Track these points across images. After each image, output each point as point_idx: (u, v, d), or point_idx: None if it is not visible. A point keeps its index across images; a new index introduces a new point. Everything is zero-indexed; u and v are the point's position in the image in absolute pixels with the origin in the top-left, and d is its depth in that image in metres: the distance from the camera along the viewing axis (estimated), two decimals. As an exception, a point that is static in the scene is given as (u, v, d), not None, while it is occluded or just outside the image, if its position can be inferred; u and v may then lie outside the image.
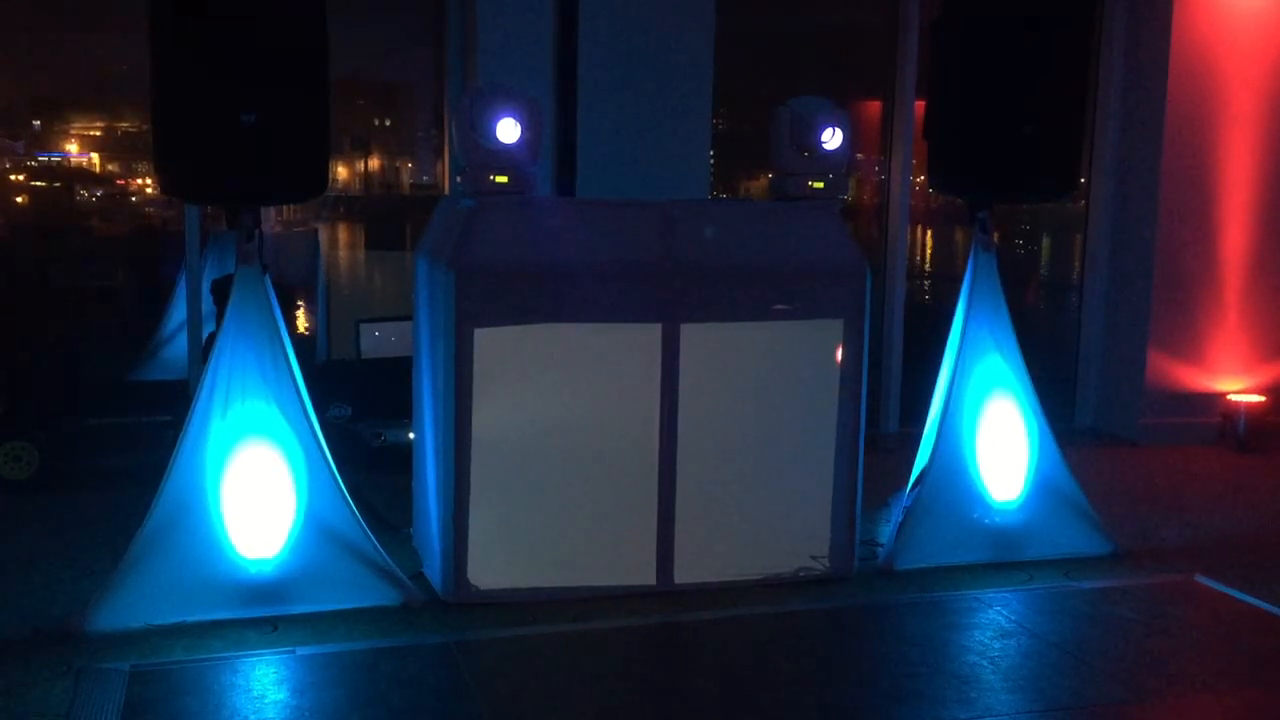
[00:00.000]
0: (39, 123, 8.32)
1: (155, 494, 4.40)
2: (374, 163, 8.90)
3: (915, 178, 7.86)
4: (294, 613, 4.49)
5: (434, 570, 4.80)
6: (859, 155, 8.18)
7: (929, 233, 9.22)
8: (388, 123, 9.17)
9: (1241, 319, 7.83)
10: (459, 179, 4.79)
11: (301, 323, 7.49)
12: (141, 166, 8.34)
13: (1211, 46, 7.53)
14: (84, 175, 8.46)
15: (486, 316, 4.55)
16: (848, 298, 4.95)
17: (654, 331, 4.74)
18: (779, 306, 4.88)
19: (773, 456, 4.95)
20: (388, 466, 6.04)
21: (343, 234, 8.87)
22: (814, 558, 5.04)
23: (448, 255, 4.60)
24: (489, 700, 3.91)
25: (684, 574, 4.87)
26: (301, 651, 4.23)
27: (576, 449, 4.72)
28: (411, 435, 5.22)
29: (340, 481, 4.60)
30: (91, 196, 8.54)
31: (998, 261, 5.40)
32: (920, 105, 7.55)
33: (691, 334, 4.77)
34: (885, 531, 5.53)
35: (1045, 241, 9.41)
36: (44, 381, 6.63)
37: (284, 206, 8.01)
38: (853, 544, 5.08)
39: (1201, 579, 5.22)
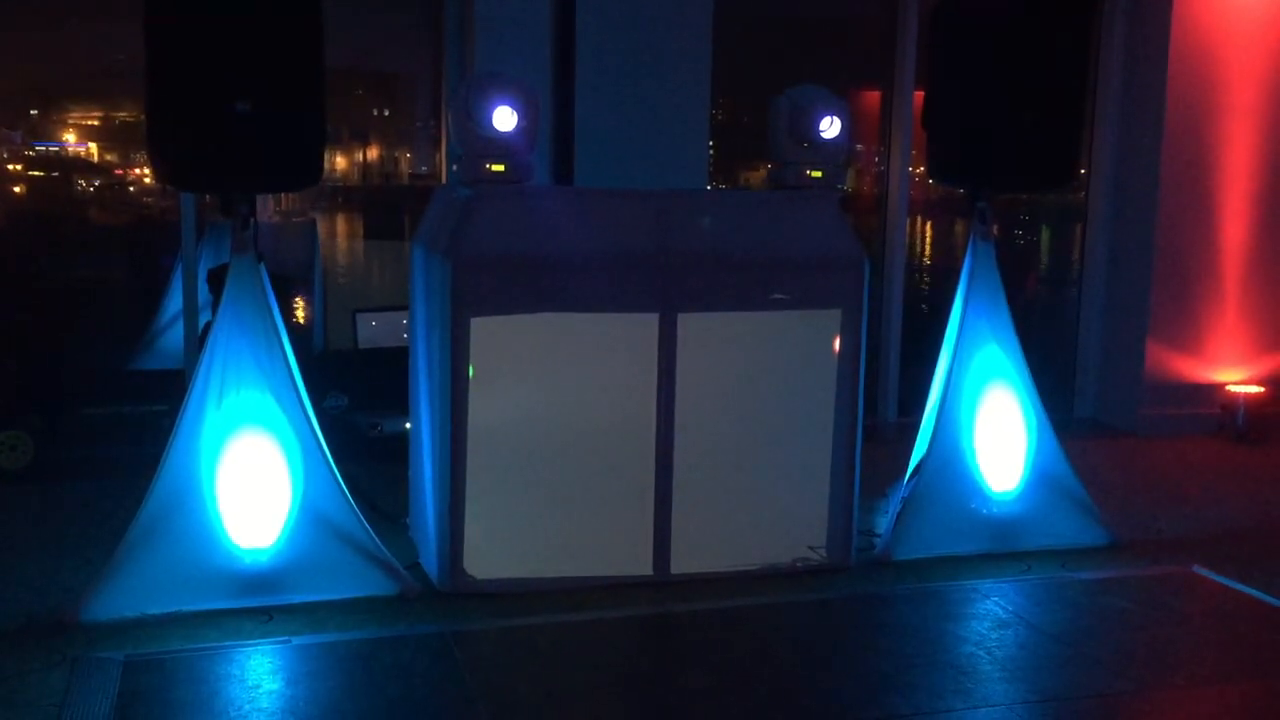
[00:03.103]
0: (36, 112, 8.29)
1: (150, 484, 4.39)
2: (372, 152, 8.88)
3: (914, 168, 7.85)
4: (289, 602, 4.48)
5: (430, 560, 4.79)
6: (858, 145, 8.17)
7: (928, 223, 9.19)
8: (386, 112, 9.15)
9: (1241, 310, 7.82)
10: (455, 168, 4.77)
11: (299, 312, 7.48)
12: (139, 156, 8.32)
13: (1211, 37, 7.50)
14: (81, 165, 8.43)
15: (483, 305, 4.53)
16: (846, 287, 4.94)
17: (651, 321, 4.73)
18: (777, 296, 4.86)
19: (770, 446, 4.94)
20: (384, 456, 6.02)
21: (340, 224, 8.85)
22: (811, 548, 5.04)
23: (444, 244, 4.58)
24: (484, 690, 3.90)
25: (680, 564, 4.86)
26: (297, 641, 4.22)
27: (573, 438, 4.71)
28: (408, 425, 5.21)
29: (336, 471, 4.59)
30: (89, 186, 8.51)
31: (996, 252, 5.39)
32: (919, 95, 7.53)
33: (689, 323, 4.76)
34: (883, 522, 5.52)
35: (1044, 232, 9.38)
36: (40, 371, 6.62)
37: (281, 196, 7.99)
38: (850, 534, 5.08)
39: (1199, 570, 5.21)
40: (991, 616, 4.64)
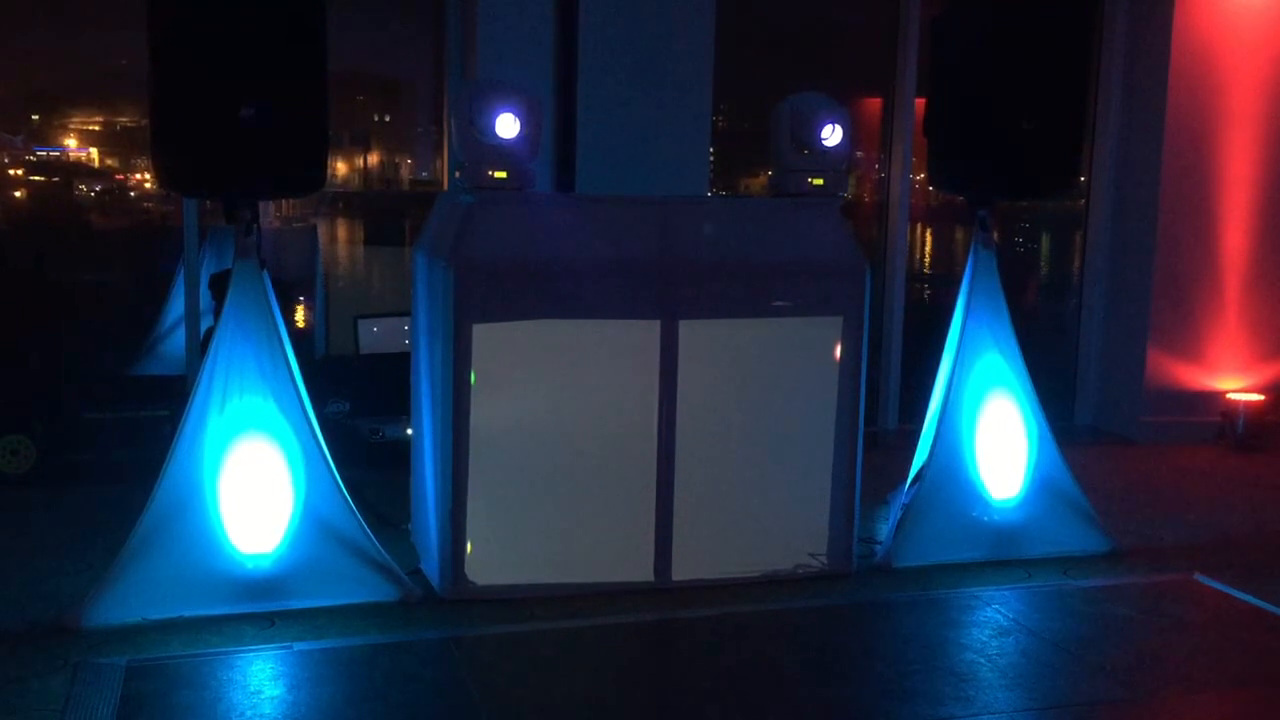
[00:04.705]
0: (37, 117, 8.30)
1: (152, 489, 4.39)
2: (373, 158, 8.89)
3: (915, 175, 7.86)
4: (291, 608, 4.49)
5: (432, 566, 4.80)
6: (859, 153, 8.17)
7: (929, 231, 9.21)
8: (387, 118, 9.16)
9: (1241, 318, 7.82)
10: (458, 174, 4.78)
11: (300, 318, 7.48)
12: (140, 161, 8.33)
13: (1212, 45, 7.52)
14: (82, 170, 8.44)
15: (485, 312, 4.54)
16: (847, 295, 4.94)
17: (653, 328, 4.74)
18: (778, 303, 4.87)
19: (771, 453, 4.94)
20: (386, 462, 6.03)
21: (341, 229, 8.85)
22: (812, 555, 5.04)
23: (446, 251, 4.59)
24: (486, 696, 3.91)
25: (682, 571, 4.86)
26: (299, 647, 4.23)
27: (575, 445, 4.71)
28: (409, 431, 5.21)
29: (338, 477, 4.59)
30: (90, 191, 8.52)
31: (997, 259, 5.39)
32: (920, 102, 7.54)
33: (690, 330, 4.76)
34: (884, 529, 5.52)
35: (1045, 239, 9.40)
36: (41, 375, 6.62)
37: (283, 201, 8.00)
38: (851, 541, 5.08)
39: (1200, 577, 5.21)
40: (992, 624, 4.64)
